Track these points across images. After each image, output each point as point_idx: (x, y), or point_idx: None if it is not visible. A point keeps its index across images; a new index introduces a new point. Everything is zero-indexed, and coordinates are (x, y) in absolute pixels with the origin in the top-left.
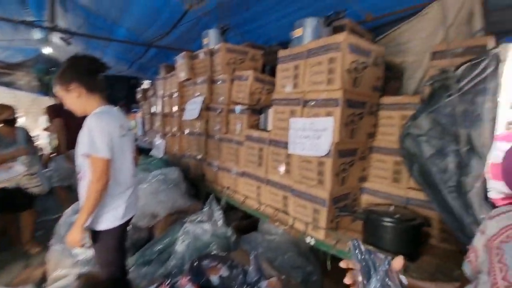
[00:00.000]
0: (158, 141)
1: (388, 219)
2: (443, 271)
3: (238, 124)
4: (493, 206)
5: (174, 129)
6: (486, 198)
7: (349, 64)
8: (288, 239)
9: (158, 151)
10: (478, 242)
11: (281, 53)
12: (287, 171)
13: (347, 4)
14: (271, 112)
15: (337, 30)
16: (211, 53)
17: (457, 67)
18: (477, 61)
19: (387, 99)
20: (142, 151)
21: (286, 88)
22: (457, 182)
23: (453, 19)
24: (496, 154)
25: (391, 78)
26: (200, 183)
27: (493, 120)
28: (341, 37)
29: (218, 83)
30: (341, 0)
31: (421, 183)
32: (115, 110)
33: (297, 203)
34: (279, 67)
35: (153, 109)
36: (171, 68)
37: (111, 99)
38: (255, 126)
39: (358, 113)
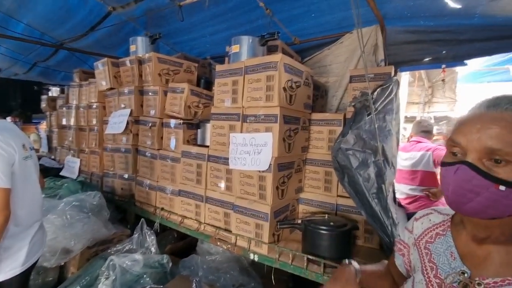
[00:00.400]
0: (71, 159)
1: (325, 227)
2: None
3: (172, 139)
4: (399, 205)
5: (93, 144)
6: (394, 199)
7: (284, 83)
8: (229, 257)
9: (71, 171)
10: (409, 240)
11: (219, 67)
12: (228, 187)
13: (276, 26)
14: (209, 126)
15: (270, 49)
16: (140, 62)
17: (374, 90)
18: (386, 86)
19: (316, 115)
20: (48, 172)
21: (225, 103)
22: (377, 189)
23: (363, 49)
24: (398, 162)
25: (318, 96)
26: (128, 206)
27: (397, 133)
28: (278, 57)
29: (149, 94)
30: (272, 22)
31: (350, 192)
32: (11, 125)
33: (239, 220)
34: (217, 81)
35: (64, 121)
36: (88, 74)
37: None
38: (192, 141)
39: (293, 129)
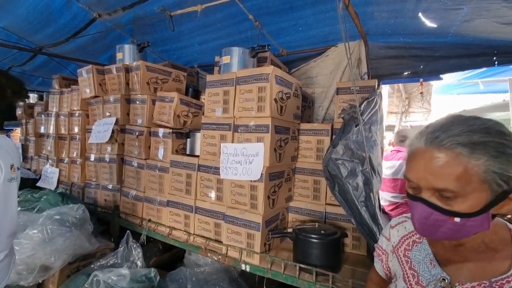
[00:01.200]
0: (49, 169)
1: (316, 236)
2: (359, 276)
3: (161, 148)
4: (383, 212)
5: (74, 154)
6: (379, 206)
7: (276, 94)
8: (218, 268)
9: (49, 182)
10: (387, 247)
11: (210, 77)
12: (219, 197)
13: (264, 38)
14: (199, 136)
15: (259, 60)
16: (127, 70)
17: (361, 103)
18: (371, 98)
19: (305, 125)
20: (24, 184)
21: (216, 112)
22: (365, 197)
23: (347, 62)
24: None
25: (306, 106)
26: (112, 218)
27: (381, 143)
28: (269, 69)
29: (137, 103)
30: (260, 34)
31: (341, 201)
32: (4, 141)
33: (230, 230)
34: (208, 91)
35: (42, 130)
36: (68, 80)
37: None
38: (181, 150)
39: (284, 139)
